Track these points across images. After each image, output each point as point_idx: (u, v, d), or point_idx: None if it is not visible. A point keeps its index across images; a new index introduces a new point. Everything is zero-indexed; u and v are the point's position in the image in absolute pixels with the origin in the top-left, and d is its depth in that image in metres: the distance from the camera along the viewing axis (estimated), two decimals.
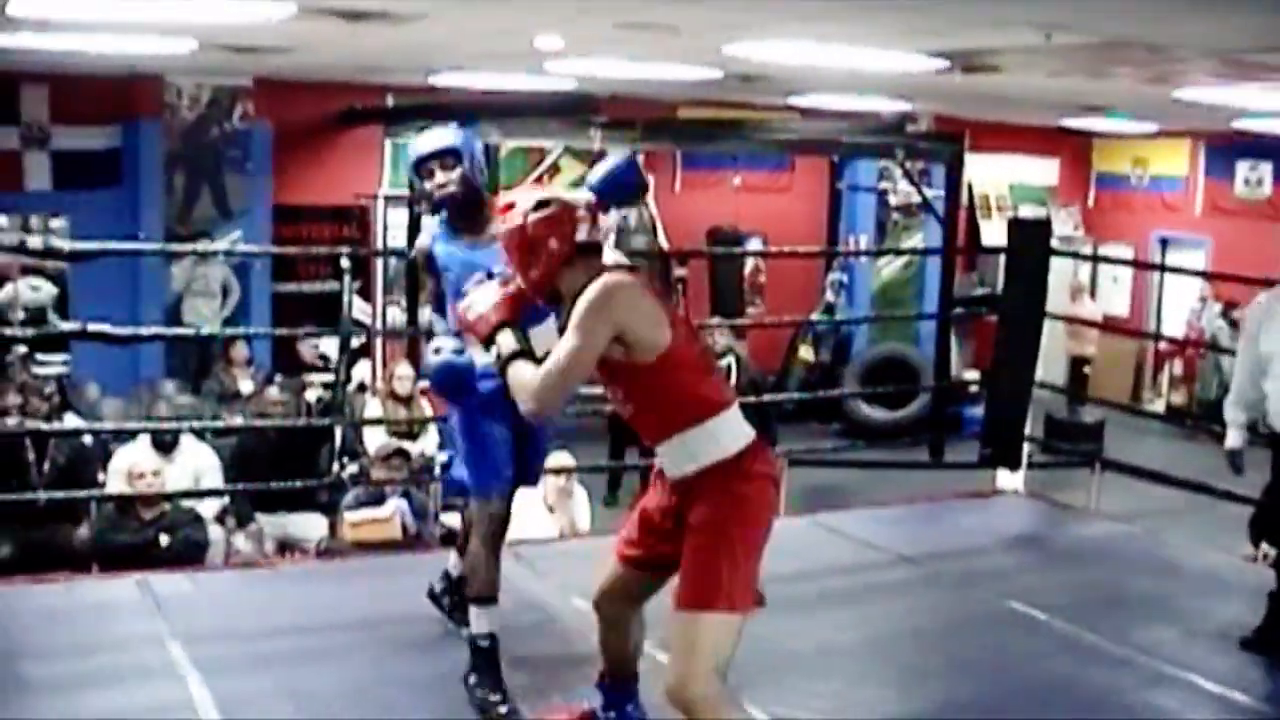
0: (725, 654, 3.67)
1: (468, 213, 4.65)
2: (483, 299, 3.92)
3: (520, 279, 3.85)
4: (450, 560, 5.25)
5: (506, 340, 3.83)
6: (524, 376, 3.74)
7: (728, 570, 3.66)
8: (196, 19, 7.71)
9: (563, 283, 3.79)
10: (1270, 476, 5.62)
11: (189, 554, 7.55)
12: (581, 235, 3.78)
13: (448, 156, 4.67)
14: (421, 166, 4.69)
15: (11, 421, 8.68)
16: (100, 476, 8.52)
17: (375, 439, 9.69)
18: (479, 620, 4.58)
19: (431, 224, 4.81)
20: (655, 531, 3.91)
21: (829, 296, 15.33)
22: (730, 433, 3.77)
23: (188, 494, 8.22)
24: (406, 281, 11.82)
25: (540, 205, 3.80)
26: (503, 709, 4.46)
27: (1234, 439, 5.64)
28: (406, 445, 9.12)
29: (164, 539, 7.58)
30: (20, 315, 12.01)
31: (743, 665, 4.96)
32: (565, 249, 3.77)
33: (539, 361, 3.75)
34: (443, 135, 4.74)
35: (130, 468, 8.03)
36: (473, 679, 4.54)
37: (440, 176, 4.65)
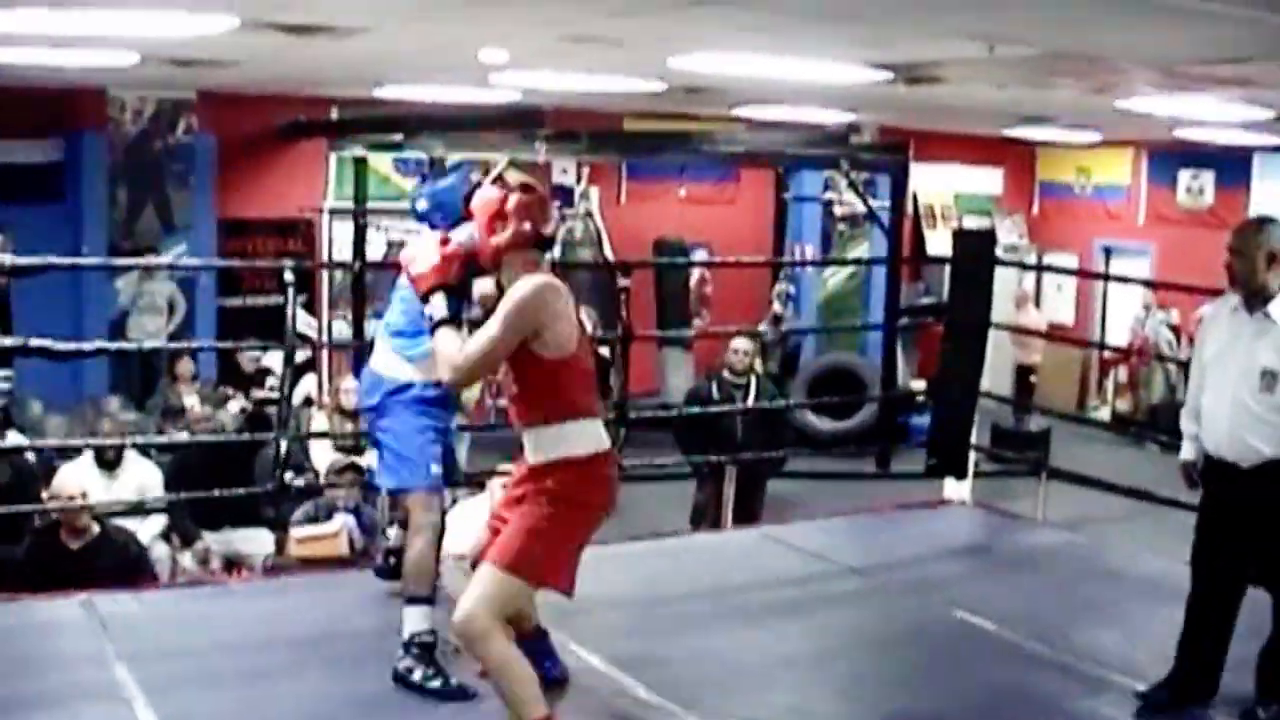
0: (506, 607, 4.07)
1: None
2: (424, 258, 4.32)
3: (480, 240, 4.25)
4: (392, 534, 5.62)
5: (439, 306, 4.25)
6: (448, 347, 4.16)
7: (530, 543, 4.06)
8: (138, 33, 7.65)
9: (510, 261, 4.20)
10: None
11: (125, 576, 7.35)
12: (548, 229, 4.25)
13: None
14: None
15: None
16: (44, 494, 8.39)
17: (322, 454, 9.61)
18: (425, 619, 4.81)
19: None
20: (509, 504, 4.24)
21: (776, 308, 15.30)
22: (582, 438, 4.16)
23: (130, 511, 8.12)
24: (353, 295, 11.76)
25: (526, 189, 4.26)
26: (454, 682, 4.73)
27: (1187, 451, 5.31)
28: (356, 460, 9.05)
29: (99, 561, 7.33)
30: None
31: (690, 676, 4.99)
32: (531, 234, 4.19)
33: (462, 325, 4.29)
34: None
35: (56, 490, 7.58)
36: (418, 674, 4.74)
37: None
